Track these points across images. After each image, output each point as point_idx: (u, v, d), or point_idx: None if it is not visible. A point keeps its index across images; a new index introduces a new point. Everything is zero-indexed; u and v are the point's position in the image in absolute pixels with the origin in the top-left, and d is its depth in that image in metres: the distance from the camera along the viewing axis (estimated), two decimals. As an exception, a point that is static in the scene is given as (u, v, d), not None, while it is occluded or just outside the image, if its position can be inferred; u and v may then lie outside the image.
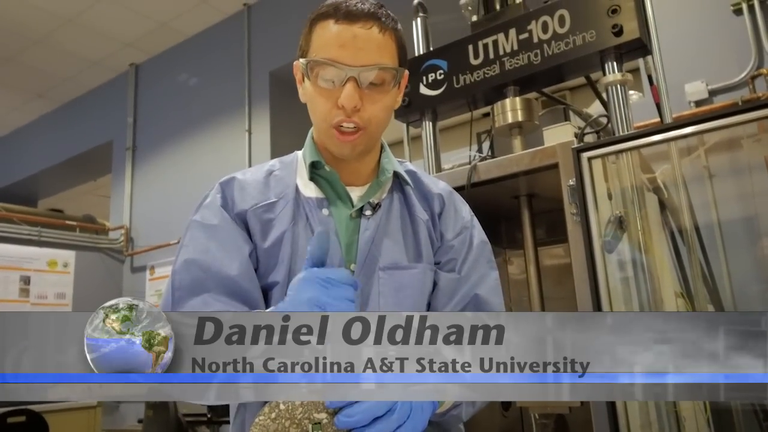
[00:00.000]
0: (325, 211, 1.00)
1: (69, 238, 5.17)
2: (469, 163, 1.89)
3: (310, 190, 1.02)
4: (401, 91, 1.03)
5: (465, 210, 1.11)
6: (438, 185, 1.11)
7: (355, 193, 1.02)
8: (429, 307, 1.04)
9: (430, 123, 2.09)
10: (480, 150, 2.35)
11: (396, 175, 1.06)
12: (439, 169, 2.08)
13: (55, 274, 4.98)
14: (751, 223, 2.29)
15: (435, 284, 1.03)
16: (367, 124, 0.95)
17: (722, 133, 2.10)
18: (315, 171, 1.03)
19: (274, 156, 1.20)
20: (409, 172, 1.10)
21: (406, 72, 1.02)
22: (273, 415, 0.74)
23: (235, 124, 4.77)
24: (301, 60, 0.97)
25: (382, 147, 1.07)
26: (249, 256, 0.97)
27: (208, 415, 3.84)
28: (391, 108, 1.00)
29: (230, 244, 0.96)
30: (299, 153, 1.08)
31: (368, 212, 1.01)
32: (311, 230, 0.98)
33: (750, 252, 2.26)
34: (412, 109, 2.08)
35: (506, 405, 2.10)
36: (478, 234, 1.09)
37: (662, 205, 1.96)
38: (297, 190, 1.02)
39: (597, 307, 1.44)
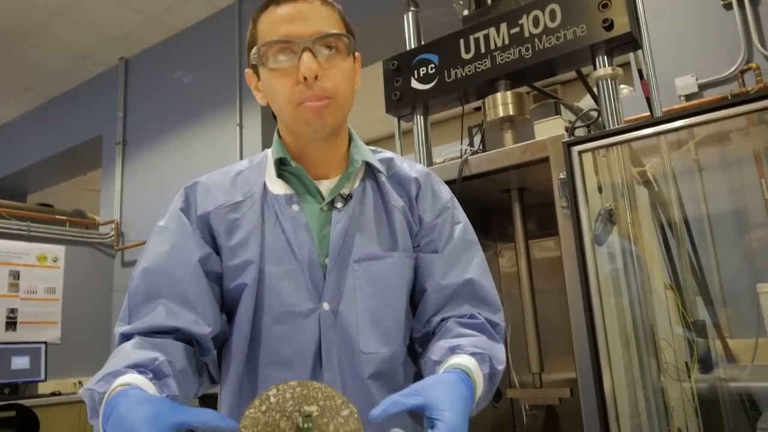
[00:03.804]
0: (295, 207, 0.99)
1: (59, 233, 5.14)
2: (461, 157, 1.89)
3: (278, 187, 1.02)
4: (358, 71, 1.04)
5: (444, 191, 1.09)
6: (414, 168, 1.09)
7: (325, 186, 1.02)
8: (412, 294, 1.04)
9: (422, 117, 2.09)
10: (471, 144, 2.35)
11: (368, 164, 1.05)
12: (430, 163, 2.08)
13: (45, 269, 4.96)
14: (739, 216, 2.31)
15: (417, 269, 1.02)
16: (333, 94, 0.94)
17: (712, 127, 2.12)
18: (282, 168, 1.03)
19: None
20: (384, 160, 1.09)
21: (359, 55, 1.03)
22: (263, 408, 0.74)
23: (226, 118, 4.75)
24: (253, 50, 0.98)
25: (350, 138, 1.07)
26: (204, 261, 0.97)
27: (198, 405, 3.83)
28: (352, 80, 1.00)
29: (181, 250, 0.96)
30: (269, 151, 1.07)
31: (339, 204, 1.00)
32: (281, 228, 0.98)
33: (738, 244, 2.28)
34: (403, 104, 2.08)
35: (497, 396, 2.11)
36: (460, 214, 1.08)
37: (652, 200, 1.98)
38: (265, 188, 1.02)
39: (587, 299, 1.45)
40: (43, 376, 4.53)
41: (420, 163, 2.06)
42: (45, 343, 4.64)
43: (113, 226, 5.38)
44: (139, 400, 0.72)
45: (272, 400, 0.75)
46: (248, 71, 1.04)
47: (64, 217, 5.32)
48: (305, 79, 0.92)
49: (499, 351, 0.96)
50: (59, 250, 5.08)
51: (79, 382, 4.83)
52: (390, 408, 0.74)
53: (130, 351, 0.85)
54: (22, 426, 3.75)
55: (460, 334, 0.95)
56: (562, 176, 1.56)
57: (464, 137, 2.36)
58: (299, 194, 1.01)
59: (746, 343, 1.93)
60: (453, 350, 0.90)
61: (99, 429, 0.77)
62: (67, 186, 7.51)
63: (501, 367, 0.93)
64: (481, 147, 2.20)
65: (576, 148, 1.54)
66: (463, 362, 0.86)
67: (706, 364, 1.82)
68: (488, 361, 0.90)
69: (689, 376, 1.69)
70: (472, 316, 0.99)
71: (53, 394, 4.49)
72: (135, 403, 0.71)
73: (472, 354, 0.89)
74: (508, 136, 1.94)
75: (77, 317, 5.03)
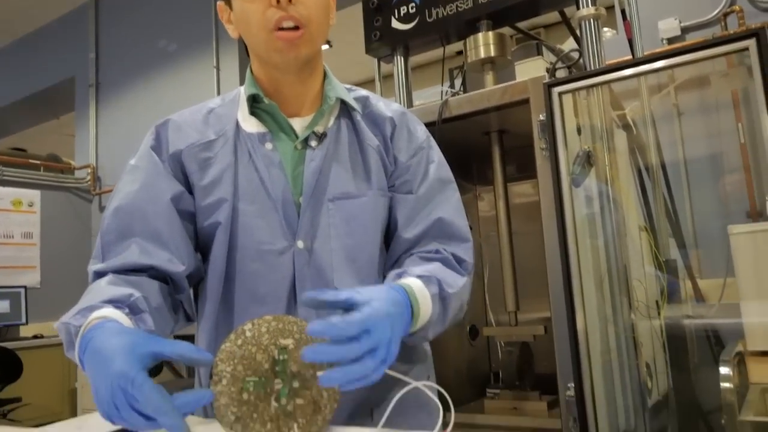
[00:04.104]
0: (268, 146, 0.98)
1: (33, 177, 5.04)
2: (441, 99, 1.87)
3: (251, 125, 1.00)
4: (333, 7, 1.02)
5: (420, 130, 1.08)
6: (390, 107, 1.08)
7: (299, 124, 1.00)
8: (387, 234, 1.04)
9: (402, 58, 2.05)
10: (452, 86, 2.33)
11: (343, 102, 1.04)
12: (410, 105, 2.06)
13: (21, 214, 4.88)
14: (715, 160, 2.34)
15: (391, 209, 1.03)
16: (307, 22, 0.93)
17: (692, 70, 2.12)
18: (255, 105, 1.01)
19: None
20: (360, 98, 1.07)
21: None
22: (239, 342, 0.75)
23: (203, 59, 4.63)
24: None
25: (325, 74, 1.05)
26: (176, 199, 0.96)
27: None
28: (327, 11, 0.98)
29: (153, 188, 0.96)
30: (242, 88, 1.05)
31: (314, 143, 0.99)
32: (254, 167, 0.97)
33: (713, 188, 2.32)
34: (383, 44, 2.03)
35: (474, 334, 2.17)
36: (436, 154, 1.08)
37: (630, 144, 1.99)
38: (238, 126, 1.00)
39: (563, 239, 1.47)
40: (24, 320, 4.54)
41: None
42: (24, 287, 4.62)
43: (89, 170, 5.30)
44: (116, 331, 0.73)
45: (248, 334, 0.76)
46: (220, 3, 1.01)
47: (38, 162, 5.21)
48: (278, 1, 0.90)
49: (454, 277, 0.96)
50: (34, 194, 4.99)
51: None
52: (321, 294, 0.77)
53: (105, 287, 0.85)
54: (6, 368, 3.78)
55: (417, 264, 0.96)
56: (541, 118, 1.56)
57: (445, 81, 2.33)
58: (272, 132, 1.00)
59: (715, 283, 1.99)
60: (400, 275, 0.91)
61: (75, 361, 0.78)
62: (40, 130, 7.33)
63: (452, 291, 0.92)
64: (461, 89, 2.17)
65: (556, 89, 1.53)
66: (404, 282, 0.87)
67: (675, 303, 1.88)
68: (436, 282, 0.90)
69: (659, 314, 1.75)
70: (437, 252, 0.99)
71: (35, 337, 4.51)
72: (112, 334, 0.72)
73: (418, 276, 0.89)
74: (489, 77, 1.92)
75: (56, 262, 5.00)
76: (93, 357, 0.71)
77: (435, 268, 0.94)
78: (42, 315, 4.67)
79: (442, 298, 0.91)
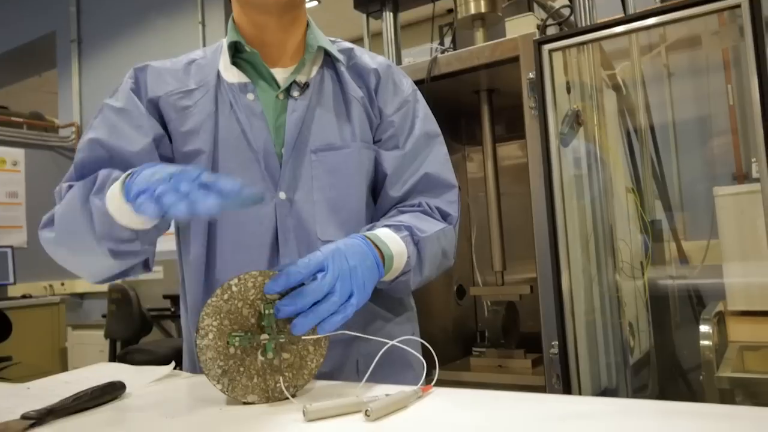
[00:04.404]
0: (250, 96, 0.97)
1: (16, 136, 4.96)
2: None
3: (232, 75, 0.99)
4: None
5: (406, 83, 1.07)
6: (375, 60, 1.06)
7: (281, 74, 0.99)
8: (374, 189, 1.03)
9: (391, 14, 2.02)
10: (441, 43, 2.29)
11: (327, 53, 1.02)
12: (399, 63, 2.03)
13: (5, 173, 4.82)
14: (704, 122, 2.34)
15: (378, 165, 1.02)
16: None
17: (683, 29, 2.09)
18: (237, 55, 0.99)
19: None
20: (344, 50, 1.06)
21: None
22: (225, 297, 0.75)
23: (187, 15, 4.52)
24: None
25: (308, 25, 1.03)
26: (156, 141, 0.95)
27: (172, 309, 3.91)
28: None
29: (134, 128, 0.95)
30: (224, 39, 1.03)
31: (296, 93, 0.97)
32: (236, 117, 0.96)
33: (700, 150, 2.32)
34: (372, -1, 1.99)
35: (461, 294, 2.19)
36: (422, 108, 1.06)
37: (620, 105, 1.98)
38: (219, 76, 0.99)
39: (549, 197, 1.48)
40: (12, 280, 4.53)
41: (389, 62, 2.01)
42: (11, 247, 4.60)
43: (73, 128, 5.21)
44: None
45: (234, 289, 0.76)
46: None
47: (20, 120, 5.11)
48: None
49: (428, 223, 0.96)
50: (18, 153, 4.92)
51: (50, 286, 4.84)
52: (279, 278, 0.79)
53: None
54: (-6, 328, 3.79)
55: (393, 217, 0.96)
56: (531, 76, 1.54)
57: (435, 39, 2.29)
58: (254, 82, 0.98)
59: (699, 244, 2.01)
60: (368, 228, 0.91)
61: (98, 205, 0.80)
62: (23, 88, 7.16)
63: (423, 235, 0.92)
64: (451, 46, 2.14)
65: (546, 47, 1.51)
66: (367, 232, 0.87)
67: (659, 263, 1.91)
68: (404, 229, 0.91)
69: (643, 274, 1.77)
70: (419, 205, 0.99)
71: (23, 296, 4.51)
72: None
73: (386, 226, 0.90)
74: (480, 34, 1.89)
75: (43, 222, 4.96)
76: (153, 170, 0.73)
77: (406, 217, 0.95)
78: (30, 275, 4.66)
79: (415, 242, 0.90)
